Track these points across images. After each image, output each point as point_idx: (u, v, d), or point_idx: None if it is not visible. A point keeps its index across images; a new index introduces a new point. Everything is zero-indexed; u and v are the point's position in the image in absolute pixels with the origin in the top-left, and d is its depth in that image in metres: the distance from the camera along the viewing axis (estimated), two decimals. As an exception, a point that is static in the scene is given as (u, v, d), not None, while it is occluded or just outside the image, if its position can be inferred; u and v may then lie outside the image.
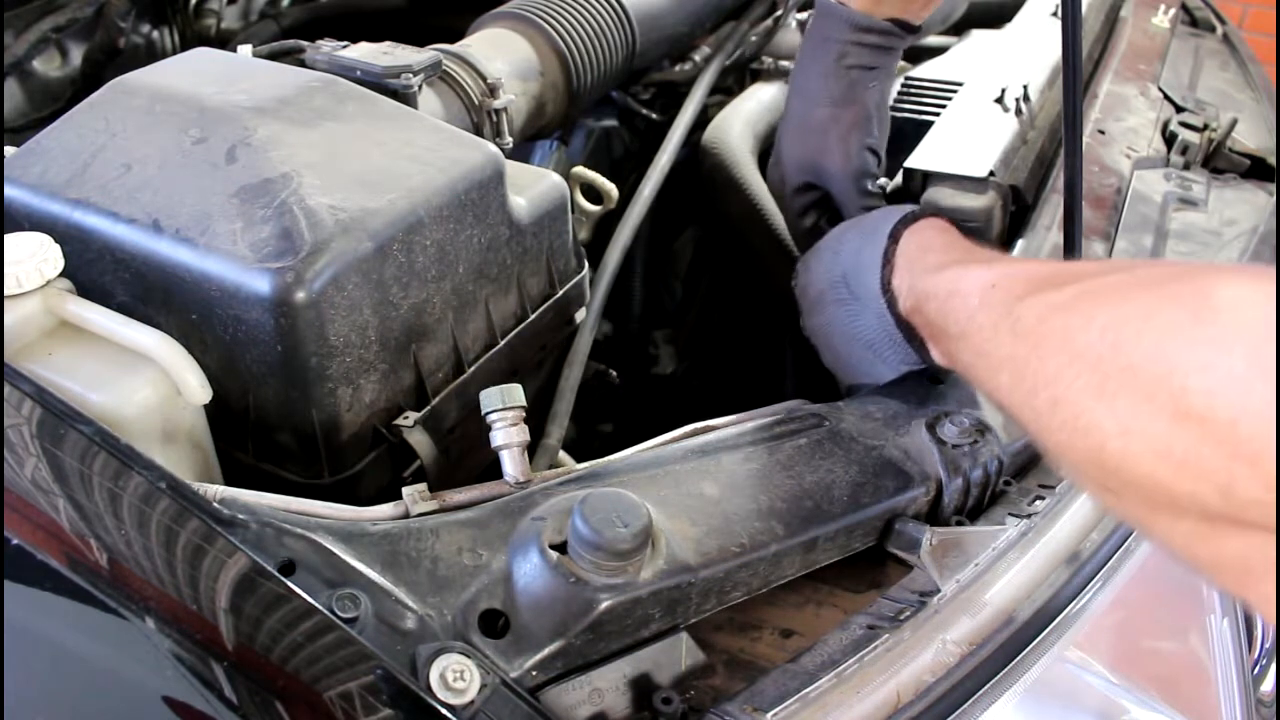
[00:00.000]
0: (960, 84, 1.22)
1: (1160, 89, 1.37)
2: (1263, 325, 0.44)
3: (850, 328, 0.85)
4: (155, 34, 1.51)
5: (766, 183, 1.08)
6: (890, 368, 0.84)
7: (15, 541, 0.52)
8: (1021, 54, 1.28)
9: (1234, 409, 0.43)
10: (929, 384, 0.84)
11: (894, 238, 0.81)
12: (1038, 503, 0.76)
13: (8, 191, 0.75)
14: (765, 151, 1.25)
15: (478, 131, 0.99)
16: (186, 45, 1.52)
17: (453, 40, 1.06)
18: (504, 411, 0.68)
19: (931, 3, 0.97)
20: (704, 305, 1.36)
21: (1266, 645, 0.92)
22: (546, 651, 0.57)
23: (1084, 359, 0.52)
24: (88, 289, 0.71)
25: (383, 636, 0.55)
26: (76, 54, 1.42)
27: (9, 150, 0.81)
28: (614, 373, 1.05)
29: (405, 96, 0.90)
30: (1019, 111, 1.13)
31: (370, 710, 0.51)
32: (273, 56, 1.01)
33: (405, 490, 0.66)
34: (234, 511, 0.58)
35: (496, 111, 1.00)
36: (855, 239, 0.86)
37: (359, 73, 0.90)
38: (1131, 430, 0.48)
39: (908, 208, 0.85)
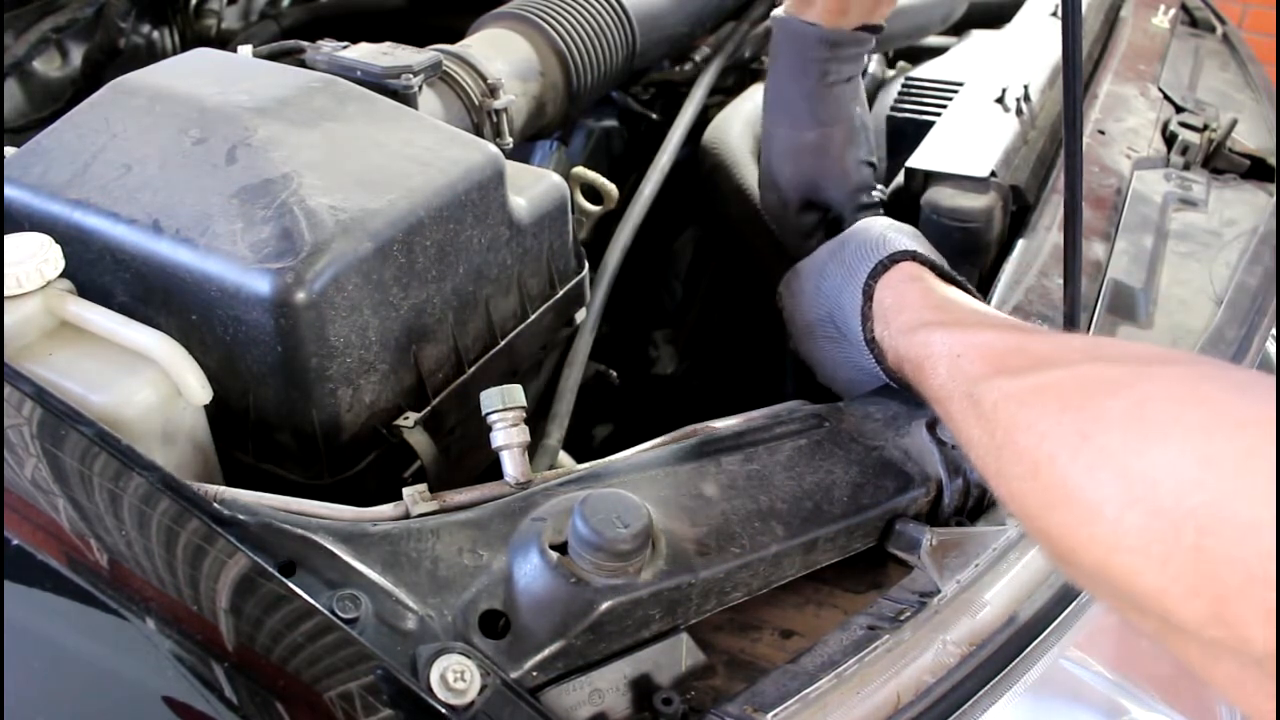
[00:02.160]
0: (960, 84, 1.22)
1: (1160, 89, 1.37)
2: (1201, 444, 0.44)
3: (844, 359, 0.85)
4: (155, 34, 1.51)
5: (761, 204, 1.07)
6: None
7: (15, 541, 0.52)
8: (1021, 54, 1.28)
9: (1146, 542, 0.44)
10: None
11: (868, 294, 0.80)
12: (1038, 503, 0.76)
13: (8, 192, 0.75)
14: (765, 152, 1.25)
15: (478, 132, 0.99)
16: (186, 45, 1.52)
17: (453, 40, 1.06)
18: (504, 412, 0.68)
19: (892, 2, 0.96)
20: (704, 305, 1.36)
21: (1266, 645, 0.92)
22: (547, 652, 0.57)
23: (1027, 464, 0.53)
24: (88, 289, 0.71)
25: (383, 637, 0.56)
26: (76, 54, 1.42)
27: (9, 150, 0.81)
28: (614, 373, 1.05)
29: (405, 97, 0.90)
30: (1019, 111, 1.13)
31: (370, 711, 0.51)
32: (273, 57, 1.01)
33: (405, 491, 0.66)
34: (234, 511, 0.58)
35: (496, 112, 1.00)
36: (836, 275, 0.84)
37: (359, 73, 0.90)
38: (1072, 545, 0.50)
39: (885, 249, 0.82)
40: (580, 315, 0.96)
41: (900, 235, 0.84)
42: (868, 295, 0.80)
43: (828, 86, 0.96)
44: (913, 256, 0.81)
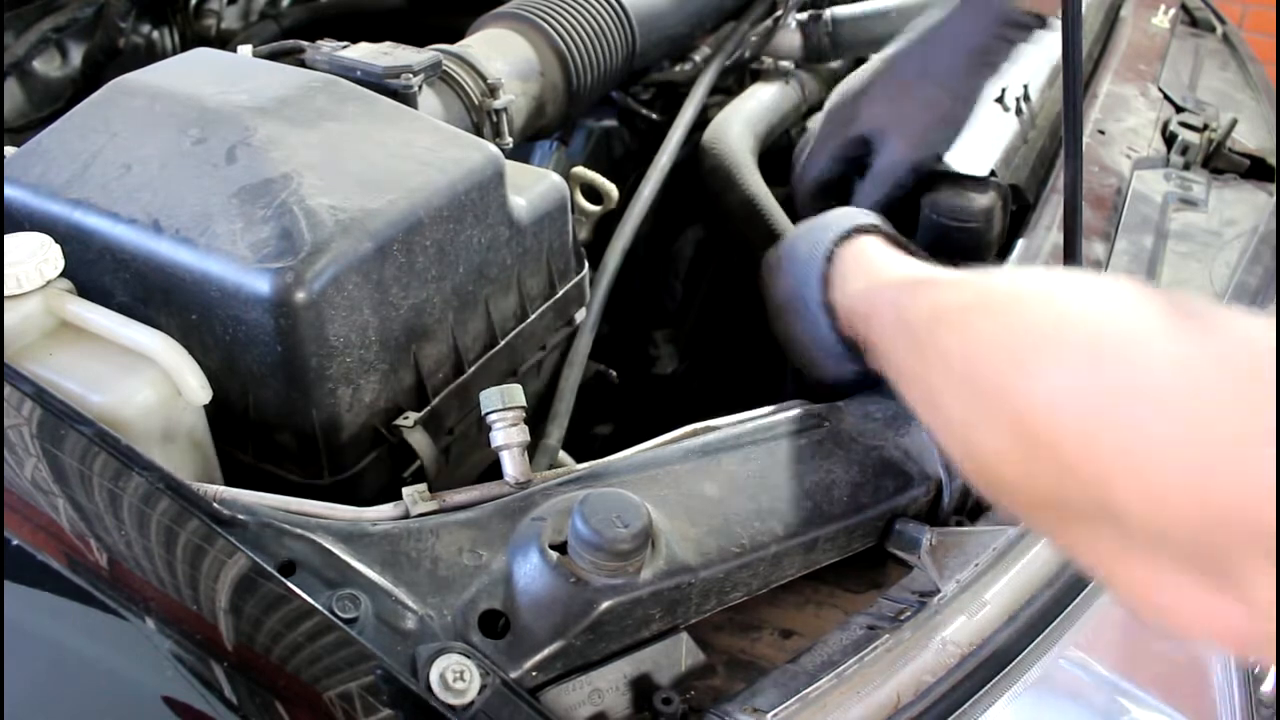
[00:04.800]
0: (960, 84, 1.22)
1: (1160, 89, 1.37)
2: (1091, 342, 0.47)
3: (811, 337, 0.86)
4: (155, 34, 1.51)
5: (806, 145, 1.05)
6: (851, 373, 0.84)
7: (15, 541, 0.52)
8: (1021, 54, 1.28)
9: (1055, 425, 0.47)
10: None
11: (829, 259, 0.82)
12: (1038, 503, 0.76)
13: (8, 191, 0.75)
14: (765, 152, 1.25)
15: (478, 131, 0.99)
16: (186, 45, 1.52)
17: (453, 40, 1.06)
18: (504, 412, 0.68)
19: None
20: (704, 305, 1.36)
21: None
22: (547, 652, 0.57)
23: (953, 378, 0.55)
24: (88, 289, 0.71)
25: (383, 637, 0.56)
26: (76, 54, 1.42)
27: (9, 150, 0.81)
28: (614, 373, 1.05)
29: (405, 97, 0.90)
30: (1019, 111, 1.13)
31: (370, 710, 0.51)
32: (273, 56, 1.01)
33: (405, 490, 0.66)
34: (234, 511, 0.58)
35: (496, 112, 1.00)
36: (804, 250, 0.87)
37: (359, 73, 0.90)
38: (994, 450, 0.52)
39: (850, 222, 0.84)
40: (580, 315, 0.96)
41: (868, 216, 0.86)
42: (828, 259, 0.82)
43: (981, 64, 0.95)
44: (875, 230, 0.84)
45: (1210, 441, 0.41)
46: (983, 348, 0.53)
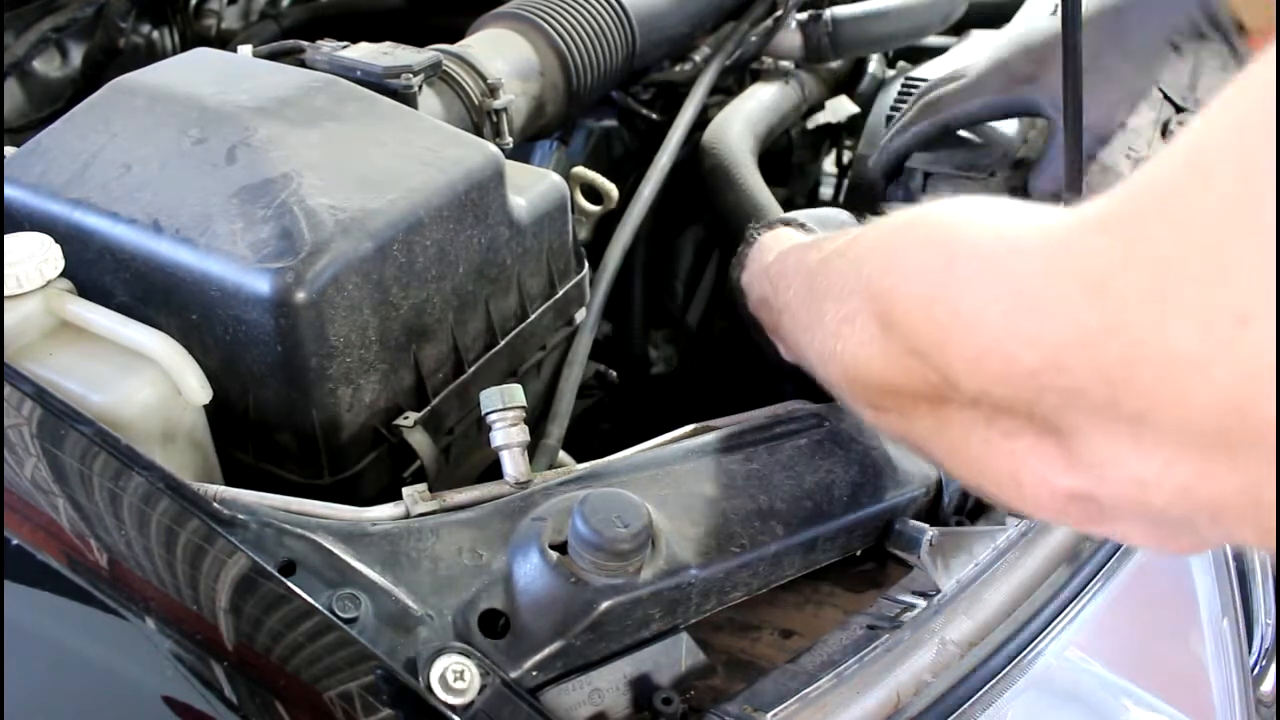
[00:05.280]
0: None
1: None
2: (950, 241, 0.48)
3: (744, 318, 0.89)
4: (155, 34, 1.51)
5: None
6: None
7: (15, 541, 0.52)
8: None
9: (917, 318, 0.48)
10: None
11: (748, 241, 0.84)
12: (1038, 503, 0.76)
13: (8, 191, 0.75)
14: (765, 152, 1.25)
15: (478, 131, 0.99)
16: (186, 45, 1.52)
17: (453, 40, 1.06)
18: (504, 411, 0.68)
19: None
20: (704, 305, 1.36)
21: (1266, 645, 0.92)
22: (547, 652, 0.57)
23: (833, 291, 0.57)
24: (88, 289, 0.71)
25: (383, 637, 0.56)
26: (76, 54, 1.42)
27: (9, 150, 0.81)
28: (614, 373, 1.05)
29: (405, 97, 0.90)
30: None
31: (370, 710, 0.51)
32: (273, 56, 1.01)
33: (405, 490, 0.66)
34: (234, 511, 0.58)
35: (496, 111, 1.00)
36: (748, 245, 0.89)
37: (359, 73, 0.90)
38: (858, 342, 0.54)
39: (777, 214, 0.86)
40: (580, 315, 0.96)
41: (807, 214, 0.89)
42: (748, 242, 0.85)
43: (1165, 45, 0.92)
44: (800, 225, 0.86)
45: (1021, 294, 0.41)
46: (865, 255, 0.55)
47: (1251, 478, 0.35)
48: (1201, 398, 0.34)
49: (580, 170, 1.08)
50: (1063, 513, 0.45)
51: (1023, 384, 0.42)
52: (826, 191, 1.57)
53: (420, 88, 0.92)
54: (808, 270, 0.65)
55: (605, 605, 0.58)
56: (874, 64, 1.48)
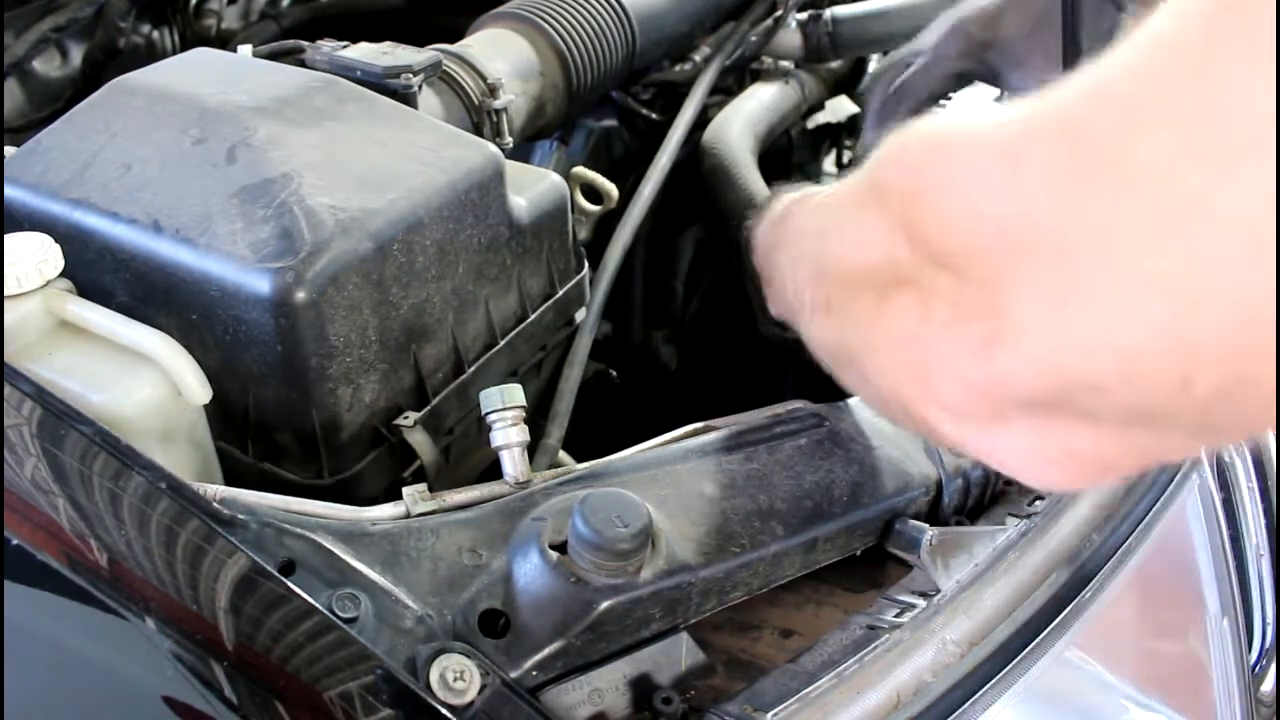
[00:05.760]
0: (960, 84, 1.22)
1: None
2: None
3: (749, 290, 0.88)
4: (155, 34, 1.51)
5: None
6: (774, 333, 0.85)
7: (15, 541, 0.52)
8: None
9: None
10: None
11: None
12: (1038, 503, 0.76)
13: (8, 191, 0.75)
14: (765, 152, 1.25)
15: (478, 131, 0.99)
16: (186, 45, 1.52)
17: (453, 40, 1.06)
18: (504, 411, 0.68)
19: None
20: (704, 305, 1.36)
21: (1266, 645, 0.92)
22: (547, 651, 0.57)
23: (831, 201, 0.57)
24: (88, 289, 0.71)
25: (383, 637, 0.56)
26: (76, 54, 1.42)
27: (9, 150, 0.81)
28: (614, 373, 1.05)
29: (405, 96, 0.90)
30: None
31: (370, 710, 0.51)
32: (273, 56, 1.01)
33: (405, 490, 0.66)
34: (234, 511, 0.58)
35: (496, 111, 1.00)
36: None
37: (359, 73, 0.90)
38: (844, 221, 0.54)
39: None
40: (580, 315, 0.96)
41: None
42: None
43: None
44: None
45: (1002, 154, 0.41)
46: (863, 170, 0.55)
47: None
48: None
49: (580, 170, 1.08)
50: (962, 416, 0.45)
51: (978, 249, 0.42)
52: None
53: (420, 88, 0.92)
54: (804, 202, 0.65)
55: (605, 605, 0.58)
56: (874, 64, 1.48)
